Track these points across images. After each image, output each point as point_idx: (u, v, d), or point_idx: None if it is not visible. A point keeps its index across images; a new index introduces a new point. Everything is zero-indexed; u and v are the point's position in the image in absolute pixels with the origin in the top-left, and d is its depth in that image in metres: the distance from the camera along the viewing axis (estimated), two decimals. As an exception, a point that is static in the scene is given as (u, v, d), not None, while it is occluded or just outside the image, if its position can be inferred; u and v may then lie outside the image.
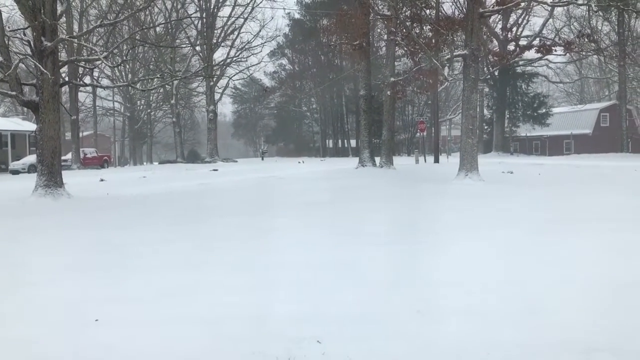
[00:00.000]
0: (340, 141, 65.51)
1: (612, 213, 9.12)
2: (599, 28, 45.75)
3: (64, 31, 30.63)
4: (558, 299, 4.57)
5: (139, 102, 59.26)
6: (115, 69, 47.52)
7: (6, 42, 13.19)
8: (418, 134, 46.42)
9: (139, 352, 3.64)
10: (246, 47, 48.07)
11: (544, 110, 46.95)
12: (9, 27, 15.66)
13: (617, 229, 7.54)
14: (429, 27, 22.12)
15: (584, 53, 32.69)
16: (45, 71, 12.41)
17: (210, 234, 8.02)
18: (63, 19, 29.98)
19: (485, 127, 51.39)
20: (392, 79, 22.45)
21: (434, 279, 5.27)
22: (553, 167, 22.28)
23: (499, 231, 7.67)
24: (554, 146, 49.88)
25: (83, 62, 19.36)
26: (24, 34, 13.74)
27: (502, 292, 4.80)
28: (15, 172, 33.74)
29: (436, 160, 29.78)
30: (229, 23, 47.00)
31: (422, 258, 6.23)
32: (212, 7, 45.17)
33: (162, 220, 9.62)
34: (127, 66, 49.14)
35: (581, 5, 27.06)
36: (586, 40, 23.34)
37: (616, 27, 42.13)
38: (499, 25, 45.94)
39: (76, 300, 4.80)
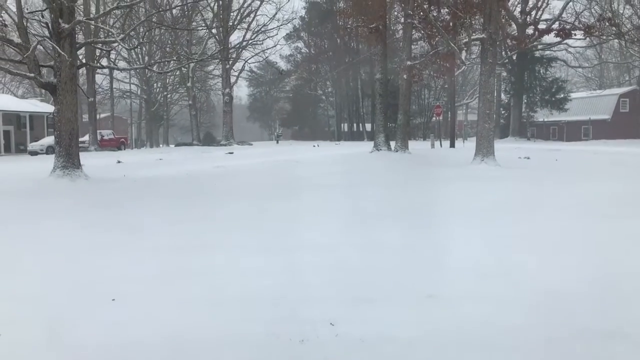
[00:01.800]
0: (355, 125, 65.31)
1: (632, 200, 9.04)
2: (621, 11, 44.82)
3: (81, 13, 30.73)
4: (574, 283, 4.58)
5: (155, 84, 59.44)
6: (132, 51, 47.67)
7: (24, 24, 13.27)
8: (434, 118, 46.13)
9: (154, 331, 3.72)
10: (262, 29, 47.93)
11: (562, 95, 46.34)
12: (27, 9, 15.76)
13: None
14: (446, 10, 21.88)
15: (604, 37, 32.16)
16: (62, 53, 12.48)
17: (228, 217, 8.09)
18: (80, 1, 30.11)
19: (503, 112, 50.89)
20: (409, 63, 22.27)
21: (447, 263, 5.30)
22: (570, 153, 22.06)
23: (511, 216, 7.65)
24: (572, 132, 49.28)
25: (100, 45, 19.46)
26: (42, 16, 13.81)
27: (515, 277, 4.81)
28: (34, 153, 34.16)
29: (452, 145, 29.62)
30: (245, 5, 46.82)
31: (435, 241, 6.25)
32: (228, -12, 44.97)
33: (178, 202, 9.72)
34: (144, 48, 49.22)
35: (603, -12, 26.56)
36: (607, 24, 22.93)
37: (638, 10, 41.28)
38: (518, 9, 45.24)
39: (93, 281, 4.90)
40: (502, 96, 51.20)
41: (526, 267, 5.10)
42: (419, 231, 6.87)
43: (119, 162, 20.34)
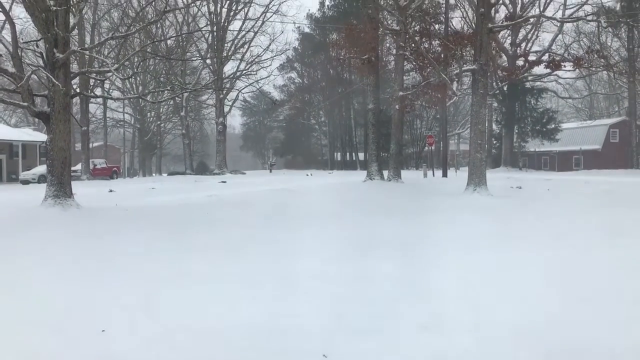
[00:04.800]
0: (348, 154, 65.58)
1: (626, 228, 9.05)
2: (609, 44, 45.70)
3: (76, 43, 30.99)
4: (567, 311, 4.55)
5: (149, 113, 59.66)
6: (126, 80, 47.94)
7: (19, 53, 13.35)
8: (426, 147, 46.41)
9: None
10: (256, 60, 48.39)
11: (553, 126, 46.81)
12: (22, 39, 15.85)
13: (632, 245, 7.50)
14: (437, 42, 22.22)
15: (593, 69, 32.59)
16: (57, 82, 12.52)
17: (219, 246, 8.03)
18: (75, 32, 30.36)
19: (494, 142, 51.27)
20: (401, 93, 22.48)
21: (441, 294, 5.26)
22: (562, 182, 22.17)
23: (506, 246, 7.64)
24: (563, 162, 49.66)
25: (94, 74, 19.52)
26: (37, 46, 13.89)
27: (506, 307, 4.78)
28: (26, 182, 34.01)
29: (444, 175, 29.72)
30: (239, 37, 47.37)
31: (427, 273, 6.21)
32: (222, 20, 45.56)
33: (168, 232, 9.64)
34: (138, 78, 49.53)
35: (591, 21, 27.08)
36: (595, 56, 23.29)
37: (626, 43, 42.09)
38: (508, 41, 45.98)
39: (82, 308, 4.82)
40: (494, 126, 51.64)
41: (514, 299, 5.07)
42: (412, 261, 6.84)
43: (110, 191, 20.25)
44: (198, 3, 40.74)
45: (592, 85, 58.86)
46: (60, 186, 12.83)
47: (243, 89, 51.01)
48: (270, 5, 46.63)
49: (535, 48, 47.17)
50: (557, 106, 59.43)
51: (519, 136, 48.30)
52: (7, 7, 13.59)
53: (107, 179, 37.52)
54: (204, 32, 45.42)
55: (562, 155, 50.17)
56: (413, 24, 23.20)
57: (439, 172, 32.24)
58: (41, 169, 33.28)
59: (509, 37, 46.06)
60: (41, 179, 31.40)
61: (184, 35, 42.39)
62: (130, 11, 39.10)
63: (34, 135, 43.47)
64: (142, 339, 4.09)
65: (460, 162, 53.62)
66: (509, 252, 7.22)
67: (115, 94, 48.66)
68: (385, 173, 23.18)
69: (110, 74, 16.84)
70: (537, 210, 12.16)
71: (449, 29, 26.01)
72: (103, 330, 4.24)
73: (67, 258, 7.26)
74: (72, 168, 16.08)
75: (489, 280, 5.76)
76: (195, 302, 5.06)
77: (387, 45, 31.12)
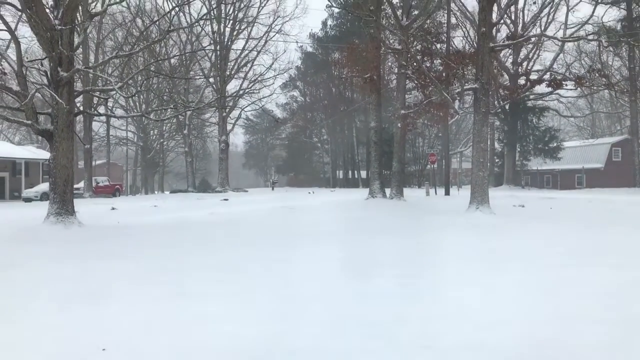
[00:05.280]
0: (350, 172, 65.64)
1: (630, 249, 9.01)
2: (610, 63, 45.89)
3: (80, 62, 31.23)
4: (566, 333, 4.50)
5: (152, 131, 59.92)
6: (130, 99, 48.24)
7: (24, 72, 13.46)
8: (429, 166, 46.42)
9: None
10: (259, 79, 48.71)
11: (555, 144, 46.86)
12: (27, 58, 15.99)
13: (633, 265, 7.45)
14: (439, 61, 22.36)
15: (594, 88, 32.73)
16: (60, 101, 12.60)
17: (219, 265, 8.00)
18: (79, 50, 30.62)
19: (497, 160, 51.32)
20: (403, 112, 22.56)
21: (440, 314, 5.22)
22: (565, 201, 22.12)
23: (509, 266, 7.60)
24: (566, 180, 49.61)
25: (98, 92, 19.67)
26: (41, 65, 14.01)
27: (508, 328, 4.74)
28: (28, 199, 34.06)
29: (447, 193, 29.70)
30: (242, 56, 47.75)
31: (432, 290, 6.17)
32: (226, 40, 45.93)
33: (169, 250, 9.62)
34: (141, 96, 49.81)
35: (591, 40, 27.24)
36: (597, 75, 23.36)
37: (627, 62, 42.26)
38: (510, 60, 46.25)
39: (81, 327, 4.79)
40: (496, 145, 51.74)
41: (517, 318, 5.03)
42: (414, 280, 6.80)
43: (113, 208, 20.26)
44: (202, 23, 41.13)
45: (594, 103, 59.00)
46: (62, 204, 12.85)
47: (246, 107, 51.31)
48: (273, 25, 47.15)
49: (536, 67, 47.45)
50: (559, 124, 59.53)
51: (521, 154, 48.34)
52: (12, 26, 13.74)
53: (110, 197, 37.55)
54: (207, 51, 45.76)
55: (565, 174, 50.13)
56: (415, 43, 23.37)
57: (441, 191, 32.22)
58: (44, 186, 33.34)
59: (511, 56, 46.35)
60: (44, 196, 31.44)
61: (187, 54, 42.73)
62: (134, 30, 39.57)
63: (37, 152, 43.60)
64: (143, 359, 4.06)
65: (463, 180, 53.62)
66: (515, 274, 7.17)
67: (119, 112, 48.98)
68: (388, 191, 23.17)
69: (114, 92, 16.95)
70: (541, 229, 12.10)
71: (451, 48, 26.17)
72: (104, 349, 4.21)
73: (66, 276, 7.24)
74: (75, 186, 16.11)
75: (499, 302, 5.72)
76: (195, 321, 5.02)
77: (389, 64, 31.34)
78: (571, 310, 5.27)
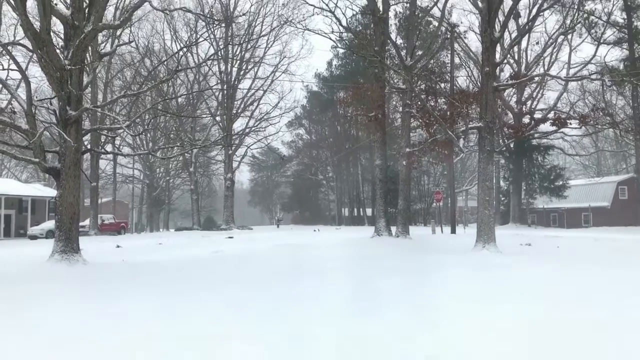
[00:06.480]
0: (356, 210, 65.54)
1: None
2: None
3: (88, 101, 31.67)
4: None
5: (158, 169, 60.26)
6: (137, 137, 48.72)
7: (33, 111, 13.63)
8: (434, 204, 46.31)
9: None
10: (265, 117, 49.24)
11: (560, 183, 46.77)
12: (36, 97, 16.24)
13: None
14: (443, 100, 22.54)
15: (599, 126, 32.89)
16: (68, 139, 12.71)
17: (224, 303, 7.92)
18: (88, 89, 31.10)
19: (502, 199, 51.18)
20: (408, 150, 22.64)
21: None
22: (571, 240, 21.93)
23: (515, 305, 7.48)
24: (572, 218, 49.32)
25: (106, 131, 19.86)
26: (50, 103, 14.20)
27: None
28: (34, 237, 34.09)
29: (453, 231, 29.52)
30: (249, 95, 48.39)
31: (435, 331, 6.07)
32: (233, 79, 46.62)
33: (173, 288, 9.54)
34: (148, 135, 50.32)
35: (595, 80, 27.45)
36: (601, 113, 23.46)
37: (630, 101, 42.52)
38: (514, 99, 46.59)
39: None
40: (501, 183, 51.70)
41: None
42: (420, 321, 6.70)
43: (118, 246, 20.22)
44: (209, 62, 41.84)
45: (599, 142, 59.15)
46: (67, 242, 12.83)
47: (252, 145, 51.74)
48: (280, 65, 47.91)
49: (540, 106, 47.81)
50: (565, 163, 59.57)
51: (527, 193, 48.22)
52: (23, 66, 13.98)
53: (115, 234, 37.58)
54: (214, 90, 46.44)
55: (571, 212, 49.88)
56: (419, 82, 23.62)
57: (447, 229, 32.04)
58: (49, 224, 33.43)
59: (515, 95, 46.71)
60: (49, 234, 31.48)
61: (194, 93, 43.34)
62: (142, 70, 40.26)
63: (44, 190, 43.85)
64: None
65: (469, 219, 53.39)
66: (527, 313, 7.06)
67: (126, 150, 49.40)
68: (393, 229, 23.06)
69: (122, 130, 17.12)
70: (549, 269, 11.96)
71: (455, 87, 26.41)
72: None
73: (69, 315, 7.17)
74: (80, 223, 16.12)
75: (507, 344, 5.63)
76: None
77: (394, 102, 31.69)
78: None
